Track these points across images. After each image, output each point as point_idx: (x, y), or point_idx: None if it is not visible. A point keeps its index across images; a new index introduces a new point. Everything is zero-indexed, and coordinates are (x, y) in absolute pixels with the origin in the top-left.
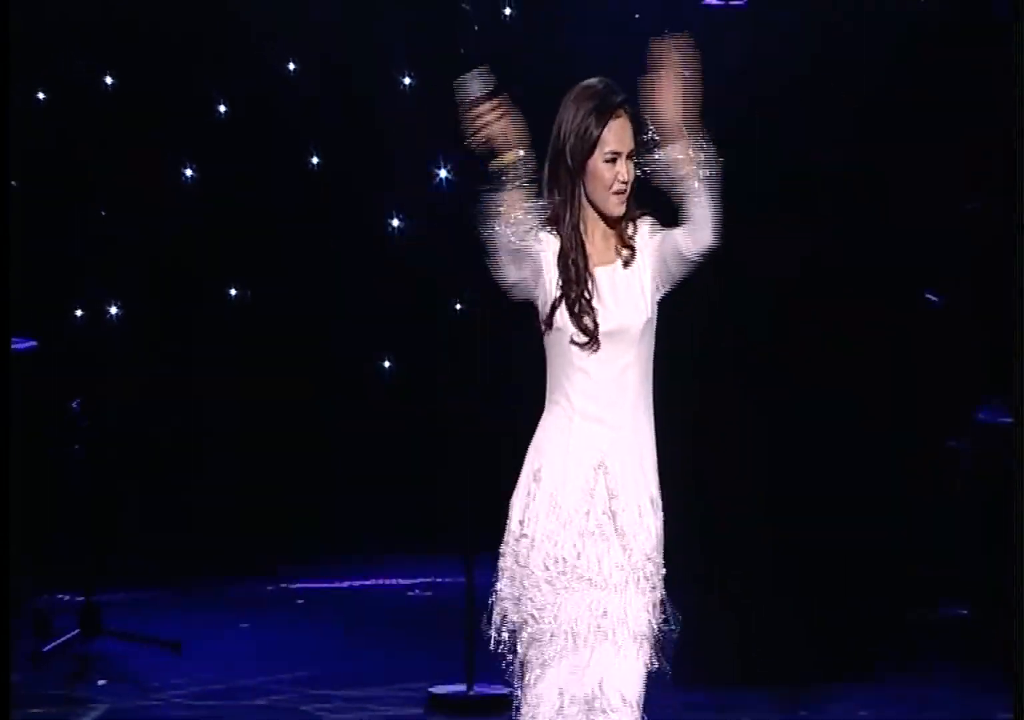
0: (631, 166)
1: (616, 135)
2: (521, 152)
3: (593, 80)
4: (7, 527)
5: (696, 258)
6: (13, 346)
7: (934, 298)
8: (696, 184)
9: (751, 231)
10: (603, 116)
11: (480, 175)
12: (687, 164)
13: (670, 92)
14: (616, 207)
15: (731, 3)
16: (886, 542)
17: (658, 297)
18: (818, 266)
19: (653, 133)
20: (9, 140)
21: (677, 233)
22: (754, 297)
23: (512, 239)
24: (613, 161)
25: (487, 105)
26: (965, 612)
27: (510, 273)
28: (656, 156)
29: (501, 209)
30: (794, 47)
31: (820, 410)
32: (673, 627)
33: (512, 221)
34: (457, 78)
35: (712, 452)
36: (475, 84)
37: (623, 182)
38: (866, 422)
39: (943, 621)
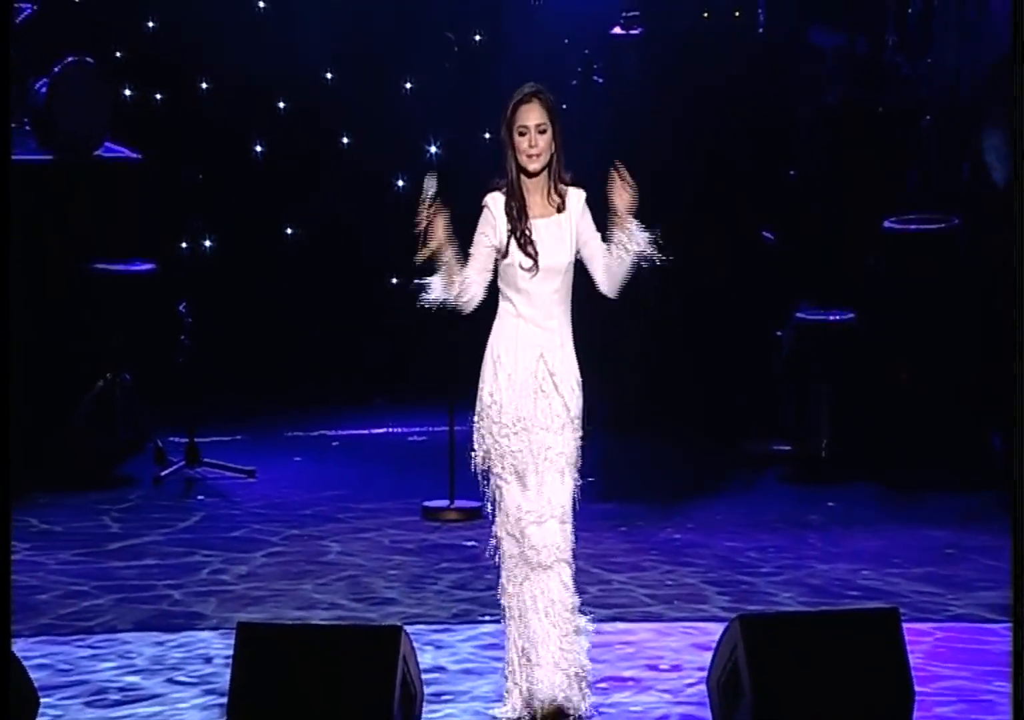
0: (543, 138)
1: (522, 115)
2: (437, 244)
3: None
4: (8, 523)
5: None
6: (138, 267)
7: (769, 236)
8: (626, 257)
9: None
10: (516, 105)
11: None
12: (624, 242)
13: (622, 198)
14: (530, 164)
15: (630, 32)
16: (733, 398)
17: (576, 248)
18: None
19: (611, 217)
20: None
21: (596, 257)
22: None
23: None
24: (523, 134)
25: (428, 206)
26: (788, 448)
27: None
28: (609, 233)
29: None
30: (675, 63)
31: (694, 311)
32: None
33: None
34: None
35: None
36: (428, 184)
37: (531, 146)
38: (722, 317)
39: (772, 454)
